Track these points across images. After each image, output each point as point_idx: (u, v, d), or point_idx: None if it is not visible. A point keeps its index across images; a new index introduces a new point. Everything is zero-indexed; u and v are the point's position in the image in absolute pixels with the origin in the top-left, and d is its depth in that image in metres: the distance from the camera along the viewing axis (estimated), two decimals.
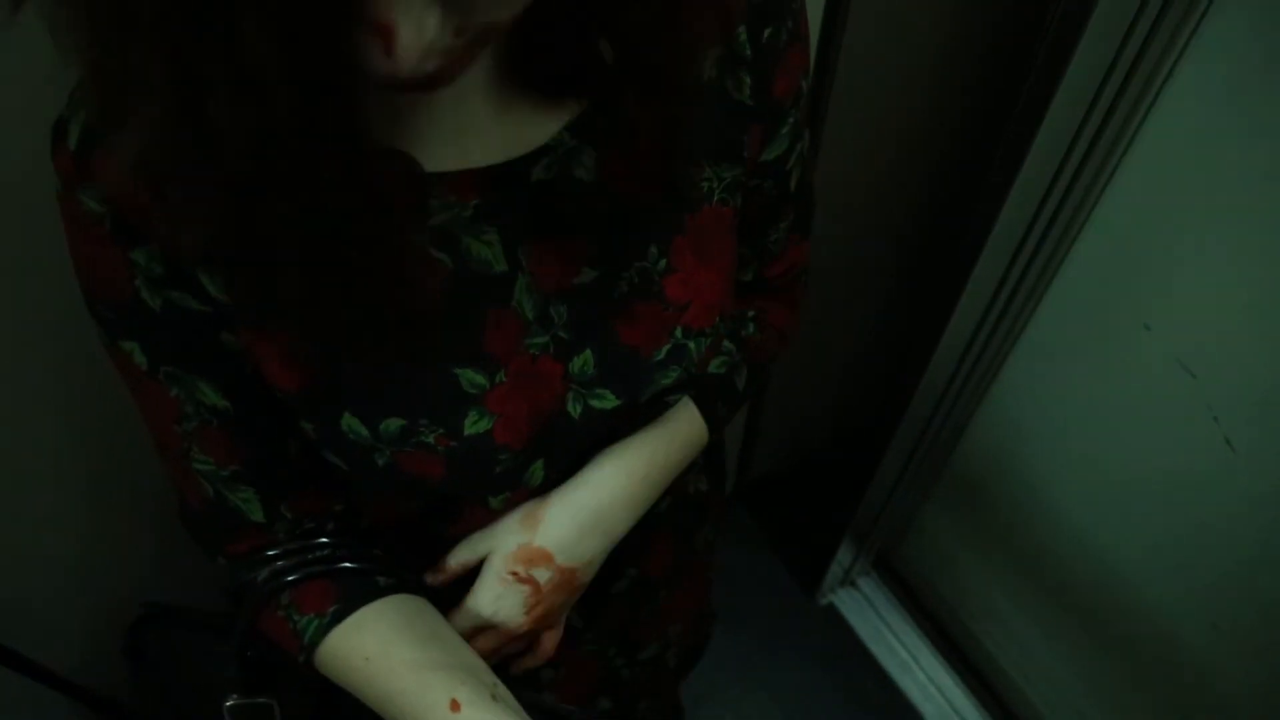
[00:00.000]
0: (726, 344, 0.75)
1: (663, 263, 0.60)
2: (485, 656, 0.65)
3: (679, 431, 0.72)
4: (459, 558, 0.69)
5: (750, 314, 0.77)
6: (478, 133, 0.52)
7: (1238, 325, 1.03)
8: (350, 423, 0.56)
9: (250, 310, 0.52)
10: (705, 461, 0.84)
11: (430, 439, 0.57)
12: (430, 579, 0.70)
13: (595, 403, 0.62)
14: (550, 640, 0.73)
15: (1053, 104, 1.04)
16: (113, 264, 0.50)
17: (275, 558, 0.63)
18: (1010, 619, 1.65)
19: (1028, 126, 1.05)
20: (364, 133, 0.42)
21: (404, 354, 0.53)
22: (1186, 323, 1.09)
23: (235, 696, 0.68)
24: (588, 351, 0.60)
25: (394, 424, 0.56)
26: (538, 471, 0.64)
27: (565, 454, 0.65)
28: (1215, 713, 1.28)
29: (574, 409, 0.62)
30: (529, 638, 0.71)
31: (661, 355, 0.62)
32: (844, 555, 1.82)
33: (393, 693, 0.59)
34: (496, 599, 0.66)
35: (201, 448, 0.58)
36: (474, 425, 0.58)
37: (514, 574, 0.66)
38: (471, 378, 0.57)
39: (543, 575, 0.66)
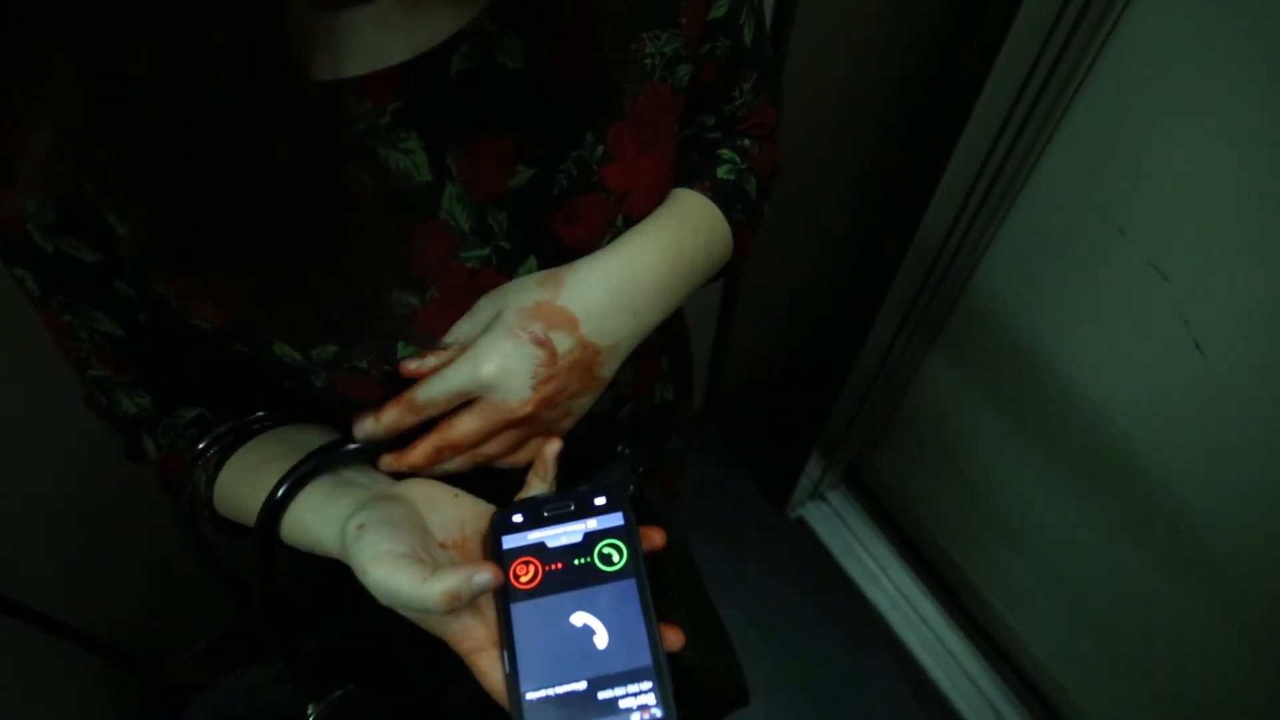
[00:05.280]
0: (726, 152, 0.70)
1: (600, 150, 0.56)
2: (461, 445, 0.56)
3: (704, 222, 0.65)
4: (455, 334, 0.55)
5: (745, 138, 0.73)
6: (388, 27, 0.48)
7: (1211, 229, 1.02)
8: (283, 349, 0.54)
9: (166, 254, 0.50)
10: (671, 369, 0.82)
11: (364, 364, 0.55)
12: (412, 367, 0.55)
13: None
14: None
15: (1024, 3, 1.00)
16: (4, 203, 0.48)
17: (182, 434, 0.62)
18: (976, 529, 1.67)
19: (998, 29, 1.02)
20: (302, 65, 0.39)
21: (328, 281, 0.50)
22: (1160, 226, 1.08)
23: (312, 709, 0.63)
24: (531, 259, 0.57)
25: (326, 350, 0.54)
26: None
27: None
28: (1170, 640, 1.31)
29: None
30: (524, 431, 0.58)
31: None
32: (813, 469, 1.82)
33: (239, 495, 0.58)
34: (503, 357, 0.53)
35: (98, 361, 0.58)
36: (407, 348, 0.55)
37: (529, 332, 0.54)
38: (401, 298, 0.54)
39: (562, 343, 0.55)
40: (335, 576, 0.53)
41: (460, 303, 0.56)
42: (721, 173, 0.69)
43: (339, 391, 0.57)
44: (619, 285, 0.58)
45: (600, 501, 0.52)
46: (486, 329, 0.55)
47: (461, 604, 0.45)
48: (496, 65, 0.51)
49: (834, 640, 1.78)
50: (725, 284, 1.68)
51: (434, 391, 0.54)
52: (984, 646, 1.75)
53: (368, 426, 0.56)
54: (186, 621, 1.39)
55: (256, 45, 0.35)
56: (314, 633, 0.66)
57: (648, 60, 0.57)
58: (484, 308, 0.56)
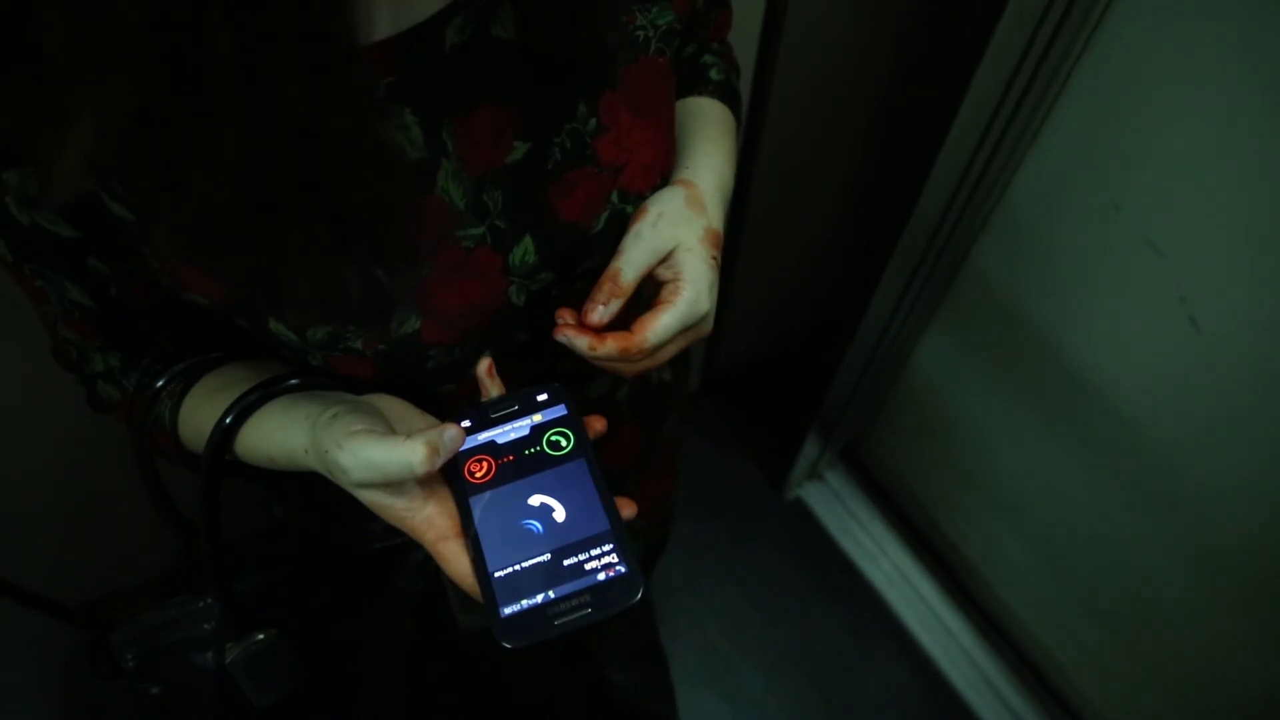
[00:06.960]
0: (709, 57, 0.76)
1: (593, 121, 0.57)
2: (662, 360, 0.60)
3: (730, 124, 0.73)
4: (634, 264, 0.58)
5: (712, 43, 0.79)
6: (379, 1, 0.47)
7: (1206, 205, 1.02)
8: (278, 327, 0.54)
9: (163, 233, 0.49)
10: None
11: (358, 344, 0.55)
12: (595, 319, 0.57)
13: (538, 286, 0.60)
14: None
15: None
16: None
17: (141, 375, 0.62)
18: (974, 507, 1.68)
19: (993, 5, 1.01)
20: (360, 34, 0.39)
21: (321, 259, 0.49)
22: (1156, 203, 1.07)
23: (231, 647, 0.64)
24: (527, 239, 0.57)
25: (320, 331, 0.54)
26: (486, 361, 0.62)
27: (512, 340, 0.63)
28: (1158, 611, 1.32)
29: (518, 299, 0.59)
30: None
31: (601, 224, 0.59)
32: (810, 449, 1.82)
33: (199, 419, 0.59)
34: (710, 288, 0.60)
35: (67, 326, 0.58)
36: (401, 326, 0.55)
37: (715, 260, 0.61)
38: (396, 277, 0.53)
39: (718, 258, 0.63)
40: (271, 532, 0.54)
41: (455, 281, 0.55)
42: (714, 74, 0.76)
43: (335, 369, 0.57)
44: (724, 197, 0.66)
45: (543, 397, 0.54)
46: (673, 259, 0.59)
47: (440, 460, 0.46)
48: (490, 36, 0.51)
49: (832, 619, 1.78)
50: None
51: (665, 333, 0.57)
52: (982, 624, 1.76)
53: (581, 345, 0.57)
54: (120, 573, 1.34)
55: (321, 13, 0.35)
56: (246, 574, 0.67)
57: (639, 32, 0.57)
58: (650, 236, 0.58)
